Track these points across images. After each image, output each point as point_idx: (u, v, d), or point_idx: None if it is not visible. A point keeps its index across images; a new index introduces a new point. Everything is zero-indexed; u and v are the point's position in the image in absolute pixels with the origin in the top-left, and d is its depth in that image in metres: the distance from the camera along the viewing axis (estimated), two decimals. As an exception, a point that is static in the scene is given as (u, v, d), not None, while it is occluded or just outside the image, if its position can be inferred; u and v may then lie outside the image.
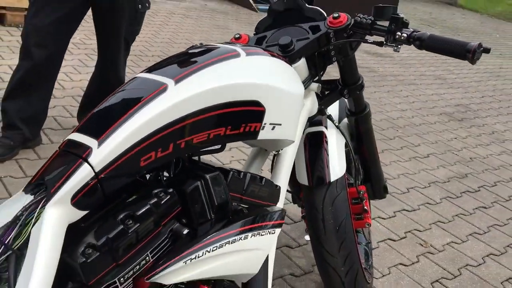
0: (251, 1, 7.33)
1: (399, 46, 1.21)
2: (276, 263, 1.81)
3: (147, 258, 0.88)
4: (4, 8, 4.00)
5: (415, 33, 1.18)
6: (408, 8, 11.13)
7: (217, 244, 0.92)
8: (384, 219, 2.44)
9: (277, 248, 1.98)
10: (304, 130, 1.44)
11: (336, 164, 1.47)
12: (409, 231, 2.38)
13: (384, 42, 1.23)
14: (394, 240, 2.28)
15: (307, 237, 2.01)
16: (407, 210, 2.57)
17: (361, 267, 1.59)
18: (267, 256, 1.10)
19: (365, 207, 1.61)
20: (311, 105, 1.35)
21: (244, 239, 0.98)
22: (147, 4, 2.28)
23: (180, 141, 0.93)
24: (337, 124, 1.51)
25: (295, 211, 2.30)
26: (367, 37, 1.28)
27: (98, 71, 2.45)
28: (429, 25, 9.32)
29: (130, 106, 0.89)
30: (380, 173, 1.73)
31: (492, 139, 3.90)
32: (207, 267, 0.92)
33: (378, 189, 1.74)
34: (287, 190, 1.37)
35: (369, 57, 5.82)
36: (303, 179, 1.47)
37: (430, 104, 4.48)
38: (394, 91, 4.64)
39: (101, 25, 2.30)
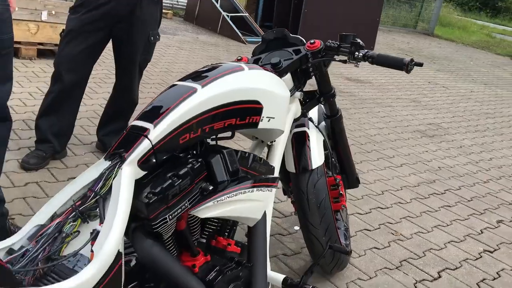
0: (240, 34, 7.86)
1: (358, 63, 1.66)
2: (271, 247, 2.21)
3: (186, 204, 1.29)
4: (19, 42, 4.43)
5: (368, 52, 1.64)
6: (387, 39, 11.80)
7: (232, 193, 1.34)
8: (362, 214, 2.86)
9: (271, 235, 2.37)
10: (291, 130, 1.88)
11: (316, 156, 1.90)
12: (383, 223, 2.80)
13: (347, 60, 1.69)
14: (370, 230, 2.70)
15: (296, 227, 2.44)
16: (381, 208, 2.99)
17: (339, 239, 2.00)
18: (266, 210, 1.52)
19: (340, 192, 2.03)
20: (296, 109, 1.79)
21: (250, 192, 1.40)
22: (157, 36, 2.73)
23: (205, 127, 1.35)
24: (316, 125, 1.95)
25: (286, 208, 2.72)
26: (335, 56, 1.74)
27: (116, 92, 2.88)
28: (407, 54, 9.93)
29: (172, 102, 1.32)
30: (352, 165, 2.16)
31: (459, 152, 4.37)
32: (226, 208, 1.34)
33: (352, 179, 2.17)
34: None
35: (350, 83, 6.33)
36: (291, 168, 1.90)
37: (405, 123, 4.96)
38: (372, 112, 5.12)
39: (119, 54, 2.74)
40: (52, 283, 1.04)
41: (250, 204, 1.42)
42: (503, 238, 2.90)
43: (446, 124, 5.25)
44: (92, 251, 1.10)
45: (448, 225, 2.94)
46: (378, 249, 2.53)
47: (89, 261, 1.09)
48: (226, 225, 1.51)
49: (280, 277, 1.68)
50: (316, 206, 1.88)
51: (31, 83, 3.97)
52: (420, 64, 1.63)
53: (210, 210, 1.31)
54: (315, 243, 1.93)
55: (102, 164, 1.26)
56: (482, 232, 2.93)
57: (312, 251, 1.98)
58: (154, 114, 1.30)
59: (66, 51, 2.54)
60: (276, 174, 1.64)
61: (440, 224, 2.93)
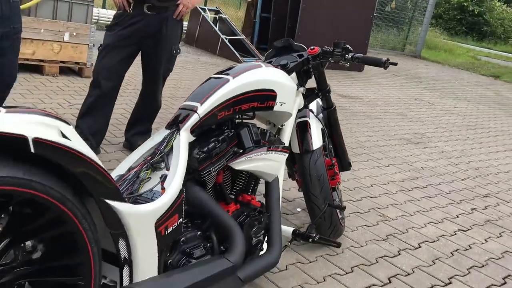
0: (238, 55, 8.40)
1: (348, 63, 2.16)
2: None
3: (223, 161, 1.76)
4: (43, 60, 4.92)
5: (355, 54, 2.14)
6: (376, 60, 12.40)
7: (257, 153, 1.83)
8: (354, 201, 3.33)
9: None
10: (296, 119, 2.36)
11: (316, 140, 2.38)
12: (372, 208, 3.27)
13: (340, 62, 2.19)
14: (361, 213, 3.16)
15: (299, 209, 2.90)
16: (370, 197, 3.46)
17: (337, 215, 2.48)
18: (279, 174, 2.00)
19: (336, 171, 2.51)
20: (300, 101, 2.28)
21: (269, 153, 1.88)
22: (178, 50, 3.23)
23: (236, 107, 1.83)
24: (316, 115, 2.44)
25: (290, 194, 3.18)
26: (330, 59, 2.24)
27: (142, 98, 3.36)
28: (394, 74, 10.51)
29: (212, 88, 1.80)
30: (345, 151, 2.63)
31: (441, 156, 4.86)
32: (253, 163, 1.82)
33: (344, 163, 2.64)
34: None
35: (342, 99, 6.85)
36: (296, 149, 2.38)
37: (392, 132, 5.46)
38: (362, 123, 5.63)
39: (146, 66, 3.22)
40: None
41: (269, 162, 1.90)
42: (475, 221, 3.38)
43: (430, 133, 5.76)
44: (163, 188, 1.57)
45: (428, 211, 3.41)
46: (368, 226, 2.99)
47: (161, 194, 1.55)
48: (249, 184, 1.98)
49: (290, 229, 2.15)
50: (317, 179, 2.36)
51: (58, 95, 4.44)
52: (395, 63, 2.13)
53: (242, 164, 1.79)
54: (315, 209, 2.40)
55: (164, 132, 1.74)
56: (457, 217, 3.40)
57: (313, 216, 2.44)
58: (200, 96, 1.78)
59: (104, 62, 3.02)
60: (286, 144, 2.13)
61: (421, 210, 3.40)
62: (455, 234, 3.12)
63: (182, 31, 3.27)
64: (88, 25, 5.09)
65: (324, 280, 2.32)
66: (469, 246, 2.98)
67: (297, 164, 2.45)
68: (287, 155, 2.05)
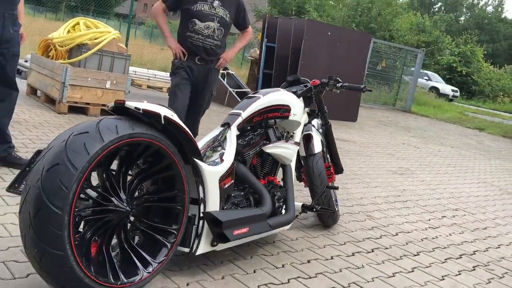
0: (245, 106, 9.46)
1: (338, 90, 3.14)
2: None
3: (257, 148, 2.70)
4: (88, 103, 5.92)
5: (343, 84, 3.12)
6: (369, 113, 13.53)
7: (279, 143, 2.77)
8: (346, 207, 4.22)
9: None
10: (302, 132, 3.30)
11: (317, 146, 3.31)
12: (361, 211, 4.15)
13: (333, 89, 3.17)
14: (352, 214, 4.05)
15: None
16: (360, 205, 4.36)
17: (332, 199, 3.38)
18: (292, 161, 2.93)
19: (331, 171, 3.43)
20: (305, 118, 3.24)
21: (286, 144, 2.82)
22: (215, 92, 4.20)
23: (264, 115, 2.79)
24: (317, 129, 3.39)
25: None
26: (326, 88, 3.21)
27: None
28: (386, 125, 11.59)
29: (250, 103, 2.76)
30: (338, 158, 3.56)
31: (421, 183, 5.78)
32: (277, 149, 2.76)
33: (338, 167, 3.56)
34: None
35: (337, 141, 7.79)
36: (303, 153, 3.30)
37: (381, 166, 6.40)
38: (355, 159, 6.58)
39: (193, 102, 4.11)
40: (209, 167, 2.42)
41: (286, 150, 2.84)
42: (444, 223, 4.25)
43: (414, 168, 6.71)
44: (222, 160, 2.50)
45: (406, 215, 4.29)
46: (357, 221, 3.87)
47: (222, 162, 2.48)
48: (272, 168, 2.91)
49: (299, 204, 3.05)
50: (318, 175, 3.27)
51: (103, 130, 5.39)
52: (370, 90, 3.11)
53: (269, 148, 2.74)
54: (317, 196, 3.30)
55: (219, 128, 2.68)
56: (429, 220, 4.28)
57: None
58: (243, 106, 2.74)
59: (174, 105, 3.87)
60: (297, 144, 3.08)
61: (400, 215, 4.28)
62: (426, 229, 4.00)
63: (218, 78, 4.26)
64: (125, 75, 6.13)
65: (324, 247, 3.19)
66: (436, 236, 3.85)
67: (303, 165, 3.37)
68: (298, 147, 2.99)
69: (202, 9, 3.83)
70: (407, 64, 17.42)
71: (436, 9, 66.74)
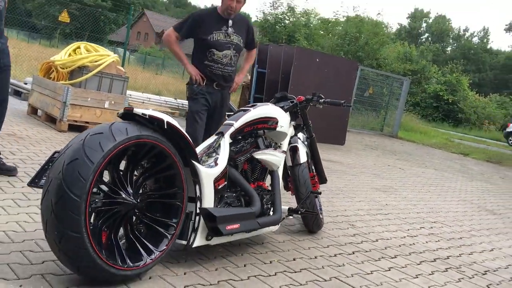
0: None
1: (321, 105, 3.49)
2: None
3: (247, 155, 3.02)
4: (87, 122, 6.22)
5: (325, 100, 3.47)
6: (357, 137, 13.92)
7: (267, 150, 3.08)
8: (331, 217, 4.51)
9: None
10: (289, 144, 3.62)
11: (303, 157, 3.63)
12: (345, 221, 4.45)
13: (316, 105, 3.51)
14: (336, 223, 4.35)
15: (290, 217, 4.09)
16: (344, 216, 4.66)
17: (316, 205, 3.68)
18: (280, 168, 3.25)
19: (316, 181, 3.75)
20: (291, 130, 3.56)
21: (274, 151, 3.14)
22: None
23: (254, 126, 3.11)
24: (302, 141, 3.71)
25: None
26: (310, 103, 3.55)
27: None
28: (372, 148, 11.97)
29: (241, 115, 3.09)
30: (322, 169, 3.87)
31: (403, 199, 6.10)
32: (265, 156, 3.07)
33: (322, 177, 3.87)
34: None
35: (324, 162, 8.14)
36: (289, 163, 3.62)
37: (365, 184, 6.73)
38: (341, 177, 6.90)
39: (209, 123, 4.31)
40: (205, 169, 2.73)
41: (274, 157, 3.16)
42: (421, 233, 4.56)
43: (397, 186, 7.04)
44: (216, 164, 2.81)
45: (386, 225, 4.60)
46: (341, 229, 4.17)
47: (216, 165, 2.79)
48: (261, 174, 3.22)
49: (286, 207, 3.35)
50: (303, 183, 3.58)
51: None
52: (350, 105, 3.45)
53: (259, 155, 3.06)
54: (302, 201, 3.60)
55: (214, 137, 3.00)
56: (408, 230, 4.59)
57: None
58: (236, 118, 3.07)
59: (188, 130, 4.15)
60: (284, 154, 3.39)
61: (381, 225, 4.59)
62: (404, 237, 4.30)
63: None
64: (123, 96, 6.46)
65: (309, 249, 3.48)
66: (413, 243, 4.16)
67: (290, 175, 3.68)
68: (284, 155, 3.31)
69: (218, 38, 4.06)
70: (393, 91, 17.94)
71: (423, 39, 68.32)
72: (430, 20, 69.60)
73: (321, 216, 3.83)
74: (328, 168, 7.37)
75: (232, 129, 2.99)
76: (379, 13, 23.26)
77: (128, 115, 2.39)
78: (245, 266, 2.92)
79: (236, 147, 2.98)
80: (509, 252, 4.48)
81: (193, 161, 2.59)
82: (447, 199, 6.79)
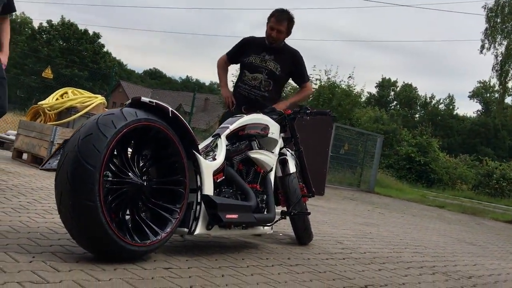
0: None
1: (308, 117, 3.73)
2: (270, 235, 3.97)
3: (243, 155, 3.20)
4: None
5: (312, 111, 3.72)
6: (335, 191, 14.14)
7: (261, 151, 3.27)
8: (318, 236, 4.64)
9: (269, 234, 4.11)
10: (278, 157, 3.81)
11: (292, 167, 3.81)
12: (332, 239, 4.58)
13: (303, 117, 3.75)
14: (324, 240, 4.47)
15: (281, 234, 4.22)
16: (332, 237, 4.78)
17: (306, 211, 3.82)
18: (272, 171, 3.42)
19: (305, 191, 3.91)
20: (280, 142, 3.77)
21: (267, 152, 3.33)
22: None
23: (247, 131, 3.32)
24: (291, 153, 3.91)
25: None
26: (298, 115, 3.79)
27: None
28: (351, 199, 12.18)
29: (236, 119, 3.31)
30: (310, 181, 4.04)
31: (385, 231, 6.25)
32: (258, 156, 3.25)
33: (309, 189, 4.04)
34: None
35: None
36: (279, 173, 3.79)
37: (348, 220, 6.87)
38: (324, 215, 7.03)
39: None
40: (205, 162, 2.89)
41: (267, 157, 3.35)
42: (407, 250, 4.70)
43: (379, 223, 7.19)
44: (215, 159, 2.98)
45: (372, 244, 4.73)
46: (330, 244, 4.29)
47: (215, 160, 2.95)
48: (255, 178, 3.38)
49: (278, 211, 3.49)
50: (294, 191, 3.74)
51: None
52: (335, 116, 3.70)
53: (253, 153, 3.24)
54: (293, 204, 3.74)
55: (211, 138, 3.19)
56: (394, 248, 4.73)
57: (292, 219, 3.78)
58: (230, 122, 3.28)
59: None
60: (276, 156, 3.58)
61: (367, 244, 4.72)
62: (390, 253, 4.44)
63: None
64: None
65: (301, 254, 3.59)
66: (399, 257, 4.29)
67: (280, 187, 3.84)
68: (276, 157, 3.50)
69: (253, 61, 4.19)
70: (368, 150, 18.45)
71: (392, 107, 70.73)
72: (398, 89, 72.52)
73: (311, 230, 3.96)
74: (310, 209, 7.53)
75: (227, 131, 3.19)
76: (350, 76, 24.27)
77: (136, 105, 2.57)
78: (243, 259, 3.02)
79: (232, 147, 3.17)
80: (491, 267, 4.64)
81: (194, 152, 2.76)
82: (428, 233, 6.96)
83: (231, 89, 4.50)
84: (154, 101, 2.57)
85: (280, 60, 4.20)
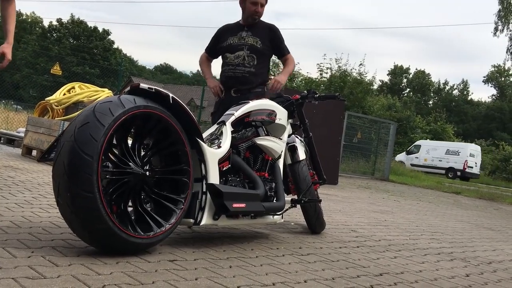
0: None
1: (316, 101, 3.60)
2: (281, 225, 3.86)
3: (249, 142, 3.09)
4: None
5: (320, 95, 3.59)
6: (349, 180, 13.98)
7: (268, 137, 3.15)
8: (332, 225, 4.52)
9: (280, 223, 4.01)
10: (287, 144, 3.69)
11: (302, 155, 3.70)
12: (346, 228, 4.46)
13: (312, 101, 3.62)
14: (337, 229, 4.35)
15: (292, 223, 4.11)
16: (345, 225, 4.66)
17: (318, 199, 3.71)
18: (280, 159, 3.30)
19: (315, 178, 3.79)
20: (289, 128, 3.65)
21: (275, 138, 3.22)
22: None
23: (253, 117, 3.20)
24: (301, 141, 3.79)
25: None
26: (306, 100, 3.67)
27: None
28: (365, 188, 12.02)
29: (241, 106, 3.19)
30: (320, 168, 3.92)
31: (400, 218, 6.11)
32: (266, 142, 3.13)
33: (320, 176, 3.91)
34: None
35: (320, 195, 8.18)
36: (289, 161, 3.68)
37: (362, 208, 6.74)
38: (338, 203, 6.92)
39: None
40: (209, 150, 2.78)
41: (275, 144, 3.23)
42: (424, 236, 4.57)
43: (394, 211, 7.05)
44: (220, 147, 2.87)
45: (387, 232, 4.60)
46: (344, 233, 4.17)
47: (220, 148, 2.85)
48: (263, 166, 3.27)
49: (289, 198, 3.38)
50: (304, 179, 3.62)
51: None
52: (344, 99, 3.57)
53: (260, 140, 3.12)
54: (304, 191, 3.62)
55: (216, 125, 3.08)
56: (410, 235, 4.60)
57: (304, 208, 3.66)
58: (236, 108, 3.16)
59: None
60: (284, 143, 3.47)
61: (382, 232, 4.59)
62: (406, 239, 4.31)
63: None
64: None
65: (314, 242, 3.48)
66: (416, 243, 4.16)
67: (290, 174, 3.72)
68: (285, 144, 3.38)
69: (232, 42, 4.09)
70: (381, 137, 18.22)
71: (405, 94, 69.97)
72: (410, 76, 71.71)
73: (322, 213, 3.85)
74: (323, 198, 7.41)
75: (233, 118, 3.08)
76: (361, 64, 23.94)
77: (135, 92, 2.47)
78: (252, 250, 2.92)
79: (238, 134, 3.06)
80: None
81: (198, 139, 2.65)
82: (445, 219, 6.81)
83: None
84: (154, 87, 2.46)
85: (258, 34, 4.10)
